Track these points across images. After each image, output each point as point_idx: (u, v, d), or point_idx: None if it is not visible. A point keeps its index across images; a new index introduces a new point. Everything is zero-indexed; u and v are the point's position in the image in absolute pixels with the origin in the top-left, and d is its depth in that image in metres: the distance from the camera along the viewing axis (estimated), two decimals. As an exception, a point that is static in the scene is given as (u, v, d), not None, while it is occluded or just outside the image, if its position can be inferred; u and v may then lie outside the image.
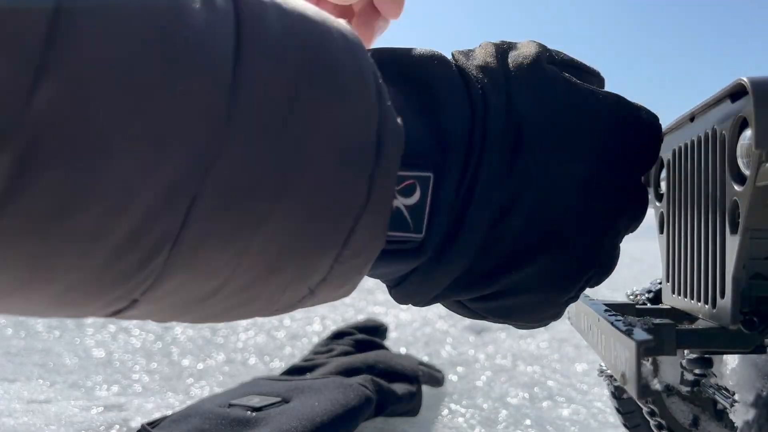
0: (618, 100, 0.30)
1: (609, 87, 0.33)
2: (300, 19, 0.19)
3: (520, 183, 0.27)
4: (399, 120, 0.22)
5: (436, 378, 0.70)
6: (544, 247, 0.28)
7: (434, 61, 0.27)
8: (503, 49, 0.29)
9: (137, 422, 0.58)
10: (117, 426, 0.57)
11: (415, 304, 0.30)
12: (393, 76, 0.26)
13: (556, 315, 0.31)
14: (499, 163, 0.26)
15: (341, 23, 0.21)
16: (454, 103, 0.26)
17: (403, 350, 0.90)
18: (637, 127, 0.30)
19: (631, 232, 0.32)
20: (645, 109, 0.31)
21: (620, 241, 0.31)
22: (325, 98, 0.19)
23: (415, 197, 0.25)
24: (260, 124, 0.18)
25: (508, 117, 0.27)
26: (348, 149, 0.20)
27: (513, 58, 0.29)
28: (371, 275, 0.27)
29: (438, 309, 1.26)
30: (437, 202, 0.26)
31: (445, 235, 0.26)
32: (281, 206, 0.19)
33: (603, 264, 0.30)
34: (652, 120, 0.30)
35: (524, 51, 0.29)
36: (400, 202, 0.25)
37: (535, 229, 0.28)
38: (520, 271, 0.28)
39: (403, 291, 0.29)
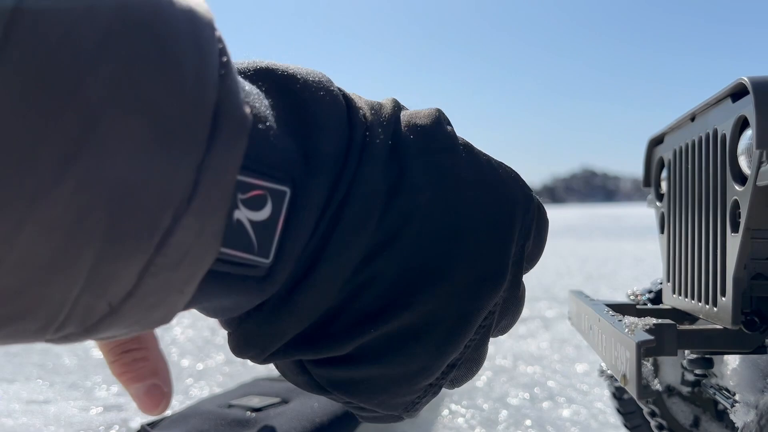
0: (515, 176, 0.29)
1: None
2: None
3: (393, 230, 0.25)
4: (248, 110, 0.19)
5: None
6: (406, 308, 0.25)
7: (318, 77, 0.25)
8: (402, 106, 0.27)
9: (136, 423, 0.58)
10: (116, 426, 0.57)
11: (251, 358, 0.25)
12: (264, 80, 0.23)
13: (410, 405, 0.28)
14: (372, 201, 0.24)
15: None
16: (330, 125, 0.23)
17: (403, 350, 0.90)
18: (525, 206, 0.28)
19: (504, 332, 0.29)
20: (532, 192, 0.29)
21: (490, 325, 0.28)
22: (142, 62, 0.16)
23: (265, 212, 0.21)
24: (43, 80, 0.15)
25: (390, 156, 0.25)
26: (170, 127, 0.17)
27: (411, 111, 0.27)
28: (204, 309, 0.23)
29: (438, 309, 1.26)
30: (293, 225, 0.22)
31: (299, 266, 0.23)
32: (66, 185, 0.15)
33: (469, 348, 0.27)
34: (538, 203, 0.29)
35: (425, 110, 0.27)
36: (244, 214, 0.20)
37: (399, 287, 0.25)
38: (380, 330, 0.25)
39: (240, 336, 0.24)
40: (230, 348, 0.25)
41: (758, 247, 0.31)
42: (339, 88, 0.25)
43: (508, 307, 0.28)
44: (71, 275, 0.16)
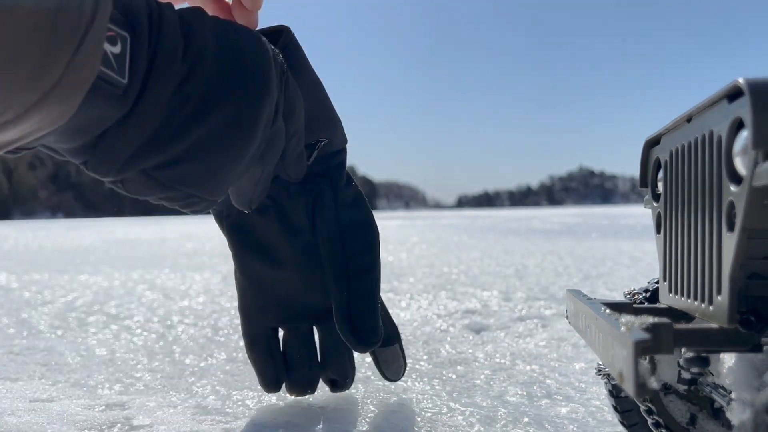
0: (268, 43, 0.42)
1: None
2: None
3: (193, 64, 0.36)
4: None
5: (393, 368, 0.64)
6: (216, 111, 0.36)
7: None
8: None
9: (139, 421, 0.59)
10: (119, 424, 0.58)
11: (107, 173, 0.35)
12: None
13: (221, 187, 0.39)
14: (172, 46, 0.34)
15: None
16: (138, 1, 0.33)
17: (402, 349, 0.90)
18: (274, 53, 0.42)
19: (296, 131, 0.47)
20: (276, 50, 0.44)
21: (278, 124, 0.42)
22: None
23: (118, 48, 0.31)
24: None
25: (180, 22, 0.36)
26: None
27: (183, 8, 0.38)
28: (79, 121, 0.31)
29: (437, 309, 1.27)
30: (135, 58, 0.32)
31: (142, 83, 0.33)
32: (17, 11, 0.23)
33: (265, 141, 0.41)
34: (279, 56, 0.44)
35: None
36: (107, 47, 0.30)
37: (207, 99, 0.36)
38: (201, 130, 0.36)
39: (99, 152, 0.33)
40: (91, 170, 0.35)
41: (754, 247, 0.31)
42: None
43: (288, 105, 0.44)
44: (18, 68, 0.24)
